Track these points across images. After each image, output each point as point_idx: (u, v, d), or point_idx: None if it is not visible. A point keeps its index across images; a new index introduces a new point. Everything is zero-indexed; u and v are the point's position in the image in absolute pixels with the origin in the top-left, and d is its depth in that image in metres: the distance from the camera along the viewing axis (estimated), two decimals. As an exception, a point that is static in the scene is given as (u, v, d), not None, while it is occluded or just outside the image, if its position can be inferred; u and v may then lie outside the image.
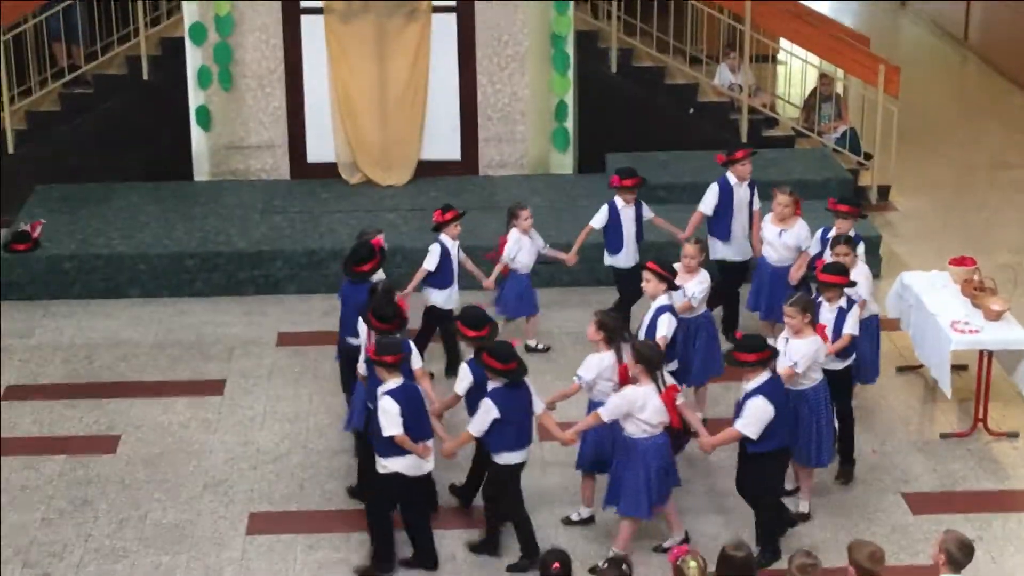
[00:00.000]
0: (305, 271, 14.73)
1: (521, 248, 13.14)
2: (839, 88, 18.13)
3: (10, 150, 16.40)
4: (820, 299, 11.13)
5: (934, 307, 12.39)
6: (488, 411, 9.84)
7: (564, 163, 16.76)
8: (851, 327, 11.10)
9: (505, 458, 10.00)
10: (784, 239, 12.76)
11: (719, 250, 13.47)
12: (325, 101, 16.37)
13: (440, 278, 12.66)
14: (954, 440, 12.09)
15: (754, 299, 13.11)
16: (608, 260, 13.44)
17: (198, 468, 11.51)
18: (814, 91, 17.91)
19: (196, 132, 16.44)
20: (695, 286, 11.79)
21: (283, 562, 10.46)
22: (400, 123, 16.37)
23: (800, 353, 10.46)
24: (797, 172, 16.33)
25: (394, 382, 9.88)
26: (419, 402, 10.03)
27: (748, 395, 9.89)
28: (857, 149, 17.42)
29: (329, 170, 16.49)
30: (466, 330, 10.39)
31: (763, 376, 9.90)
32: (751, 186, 13.48)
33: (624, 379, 10.23)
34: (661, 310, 11.09)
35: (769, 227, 12.90)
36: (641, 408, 9.81)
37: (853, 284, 11.28)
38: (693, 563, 7.94)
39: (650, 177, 15.98)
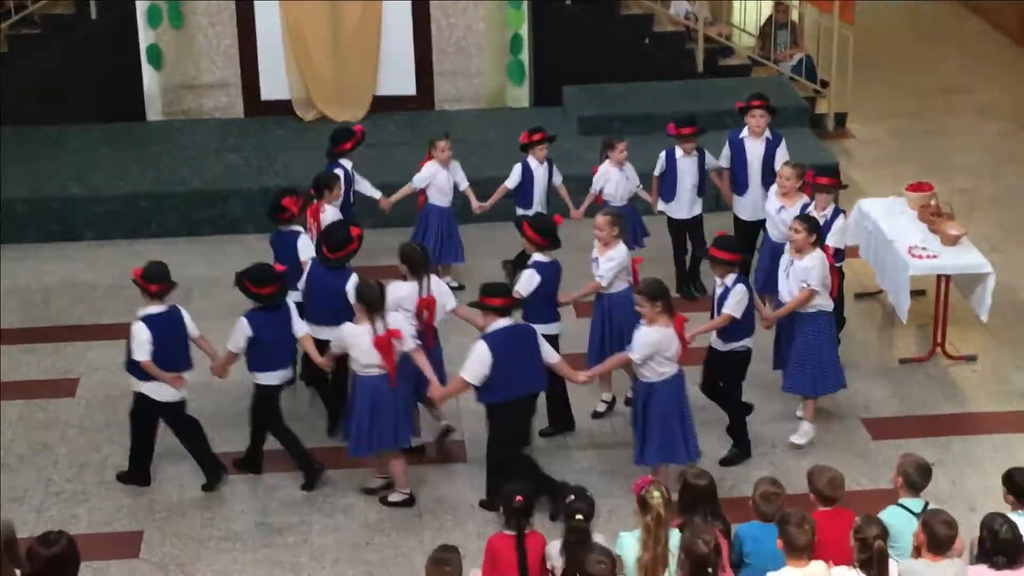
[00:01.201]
0: (262, 209, 14.56)
1: (609, 180, 12.83)
2: (794, 15, 18.08)
3: (-42, 94, 16.21)
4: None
5: (892, 233, 12.43)
6: (242, 330, 10.22)
7: (520, 96, 16.68)
8: (731, 308, 10.38)
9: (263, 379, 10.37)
10: (782, 216, 11.76)
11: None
12: (278, 38, 16.21)
13: (522, 198, 12.88)
14: (913, 365, 12.16)
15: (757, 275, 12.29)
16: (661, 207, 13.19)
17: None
18: (769, 19, 17.86)
19: (147, 71, 16.27)
20: (604, 263, 10.98)
21: (246, 502, 10.48)
22: (354, 58, 16.24)
23: (805, 269, 10.69)
24: (754, 101, 16.27)
25: (154, 308, 10.17)
26: (177, 332, 10.18)
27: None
28: (813, 76, 17.41)
29: (283, 107, 16.38)
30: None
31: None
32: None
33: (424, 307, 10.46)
34: (528, 265, 10.86)
35: (771, 201, 12.07)
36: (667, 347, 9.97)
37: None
38: (657, 493, 7.95)
39: (607, 109, 16.00)
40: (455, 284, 13.17)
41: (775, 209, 11.93)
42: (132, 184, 14.83)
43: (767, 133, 12.80)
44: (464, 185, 13.26)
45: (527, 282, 10.69)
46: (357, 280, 10.36)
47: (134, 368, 10.21)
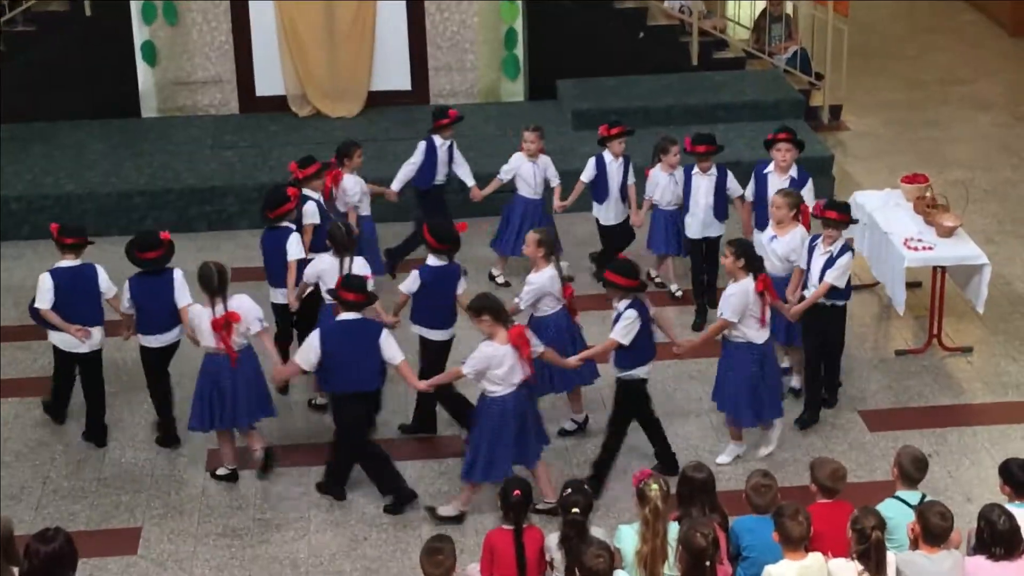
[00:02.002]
0: (257, 206, 14.54)
1: (658, 185, 12.71)
2: (789, 8, 18.07)
3: (-47, 91, 16.18)
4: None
5: (887, 225, 12.43)
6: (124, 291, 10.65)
7: (515, 91, 16.67)
8: (616, 333, 9.96)
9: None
10: (774, 246, 11.21)
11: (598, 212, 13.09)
12: (272, 34, 16.20)
13: (597, 191, 12.87)
14: (909, 357, 12.17)
15: None
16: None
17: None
18: (764, 12, 17.84)
19: (142, 68, 16.25)
20: (525, 286, 10.68)
21: (244, 498, 10.46)
22: (349, 54, 16.23)
23: (725, 296, 10.26)
24: (749, 94, 16.32)
25: (65, 262, 10.67)
26: (86, 287, 10.66)
27: (621, 312, 10.00)
28: (808, 69, 17.40)
29: (278, 103, 16.36)
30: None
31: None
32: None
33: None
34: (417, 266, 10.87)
35: (766, 230, 11.46)
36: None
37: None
38: (655, 485, 7.98)
39: (602, 103, 16.00)
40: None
41: (767, 239, 11.31)
42: (127, 181, 14.82)
43: (793, 171, 12.01)
44: (555, 182, 13.09)
45: (409, 282, 10.69)
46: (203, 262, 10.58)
47: (35, 315, 10.80)
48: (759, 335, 10.27)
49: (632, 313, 9.95)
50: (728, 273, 10.33)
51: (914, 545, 7.97)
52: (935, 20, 21.09)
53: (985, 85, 18.50)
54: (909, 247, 12.03)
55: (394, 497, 10.25)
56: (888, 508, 8.22)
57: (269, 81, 16.33)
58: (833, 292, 10.82)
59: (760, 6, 18.23)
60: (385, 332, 10.01)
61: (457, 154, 13.33)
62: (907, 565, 7.87)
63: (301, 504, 10.37)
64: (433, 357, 10.72)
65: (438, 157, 13.20)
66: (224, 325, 10.18)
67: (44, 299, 10.59)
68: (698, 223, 12.47)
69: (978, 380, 11.89)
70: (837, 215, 10.80)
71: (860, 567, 7.70)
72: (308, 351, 9.95)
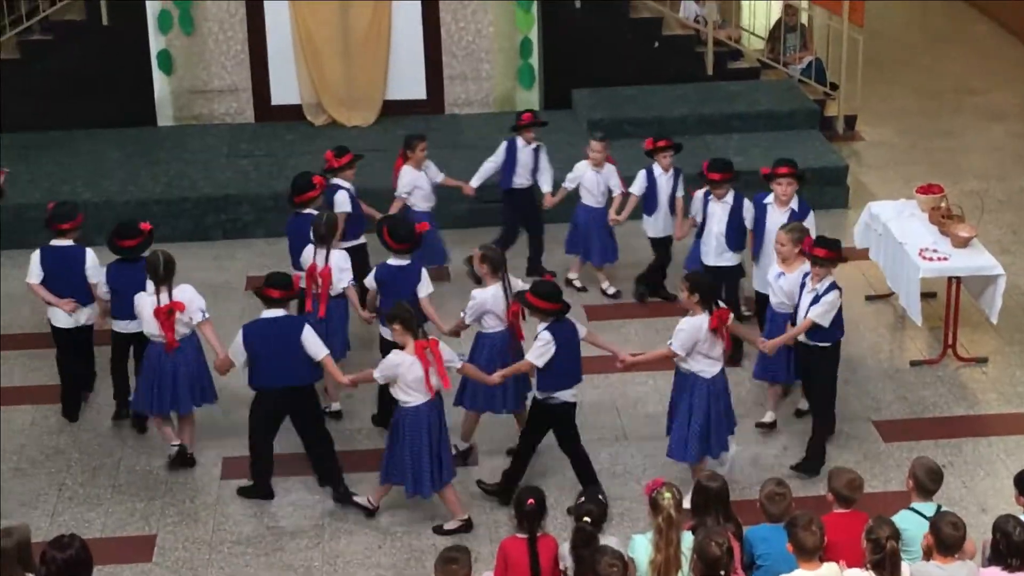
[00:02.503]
0: (272, 214, 14.65)
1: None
2: (804, 18, 18.07)
3: (-30, 99, 16.25)
4: None
5: (902, 236, 12.42)
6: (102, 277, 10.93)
7: (530, 100, 16.68)
8: (531, 354, 9.89)
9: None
10: (780, 283, 10.89)
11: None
12: (288, 43, 16.25)
13: (647, 204, 12.88)
14: (924, 367, 12.15)
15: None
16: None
17: (171, 416, 11.46)
18: (779, 22, 17.84)
19: (158, 77, 16.31)
20: (470, 298, 10.62)
21: (258, 506, 10.47)
22: (364, 63, 16.27)
23: (676, 331, 10.05)
24: (764, 104, 16.34)
25: (57, 242, 11.23)
26: (73, 267, 11.10)
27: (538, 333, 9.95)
28: (823, 79, 17.40)
29: (294, 112, 16.40)
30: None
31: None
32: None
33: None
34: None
35: (773, 267, 11.11)
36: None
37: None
38: (668, 494, 7.97)
39: (617, 112, 16.03)
40: (609, 290, 13.34)
41: (775, 276, 10.96)
42: (143, 189, 14.87)
43: (793, 203, 11.63)
44: (616, 191, 13.05)
45: (369, 278, 10.91)
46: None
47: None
48: (709, 370, 10.05)
49: (547, 335, 9.85)
50: (685, 307, 10.15)
51: (927, 556, 7.96)
52: (949, 30, 21.08)
53: (1000, 95, 18.48)
54: (924, 257, 12.02)
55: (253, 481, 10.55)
56: (903, 520, 8.20)
57: (285, 90, 16.38)
58: (818, 333, 10.47)
59: (775, 16, 18.24)
60: (308, 328, 10.15)
61: (543, 159, 13.32)
62: (922, 575, 7.86)
63: (315, 512, 10.38)
64: None
65: (519, 159, 13.23)
66: (167, 313, 10.45)
67: (32, 275, 11.28)
68: (711, 250, 12.07)
69: (993, 390, 11.87)
70: (825, 253, 10.38)
71: (874, 577, 7.70)
72: (236, 349, 10.16)
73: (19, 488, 10.67)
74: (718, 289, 10.20)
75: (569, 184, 13.19)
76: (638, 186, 12.85)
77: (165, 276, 10.49)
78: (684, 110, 16.11)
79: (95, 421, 11.52)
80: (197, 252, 14.30)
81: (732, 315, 10.20)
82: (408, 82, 16.46)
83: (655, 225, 12.96)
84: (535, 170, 13.35)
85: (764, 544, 8.22)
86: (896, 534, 7.73)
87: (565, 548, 8.20)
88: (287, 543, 10.08)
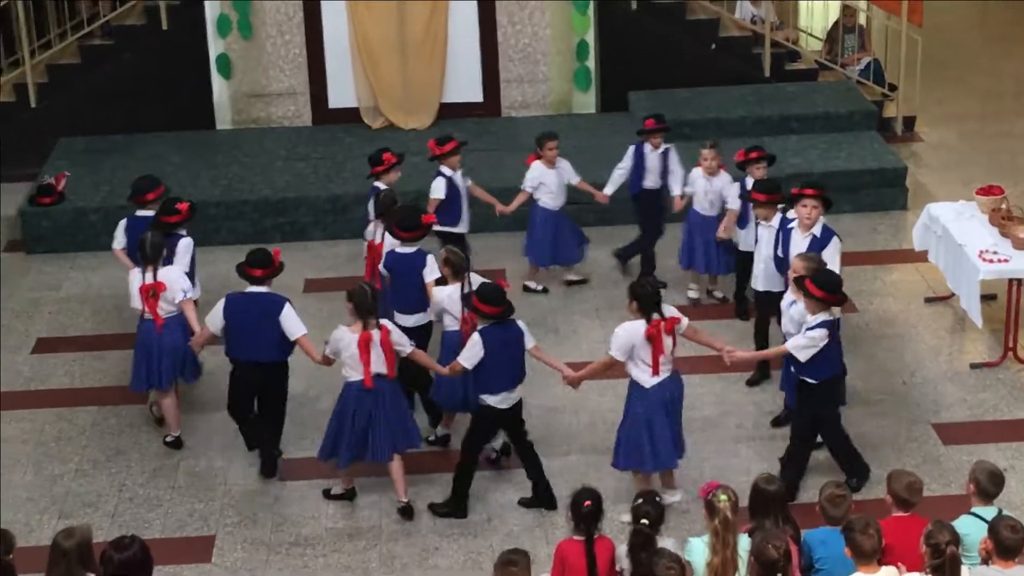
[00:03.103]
0: (330, 217, 14.74)
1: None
2: (862, 19, 17.96)
3: (32, 104, 16.38)
4: None
5: (962, 237, 12.33)
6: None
7: (587, 102, 16.69)
8: (462, 356, 10.08)
9: None
10: (792, 312, 10.44)
11: None
12: (345, 46, 16.32)
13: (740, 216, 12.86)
14: (984, 369, 12.06)
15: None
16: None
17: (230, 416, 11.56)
18: (837, 23, 17.75)
19: (217, 80, 16.43)
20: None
21: (316, 507, 10.53)
22: (421, 66, 16.31)
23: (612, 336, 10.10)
24: (821, 105, 16.25)
25: (141, 212, 11.82)
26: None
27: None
28: (881, 80, 17.28)
29: (351, 115, 16.46)
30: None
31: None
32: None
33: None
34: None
35: (786, 295, 10.70)
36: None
37: None
38: (724, 497, 7.95)
39: (674, 114, 15.93)
40: (719, 294, 13.35)
41: (787, 303, 10.54)
42: (202, 192, 14.96)
43: (817, 228, 11.05)
44: (731, 205, 12.58)
45: (380, 268, 11.35)
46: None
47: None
48: (647, 380, 9.98)
49: (476, 338, 9.99)
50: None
51: (986, 561, 7.89)
52: (1010, 29, 20.88)
53: (1061, 95, 18.32)
54: (984, 259, 11.93)
55: (260, 456, 10.93)
56: (963, 525, 8.13)
57: (342, 93, 16.45)
58: (804, 367, 10.04)
59: (833, 17, 18.14)
60: (287, 307, 10.50)
61: (673, 161, 13.24)
62: (981, 580, 7.81)
63: (373, 514, 10.43)
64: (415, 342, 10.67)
65: (647, 164, 13.22)
66: (151, 292, 10.88)
67: (117, 241, 11.96)
68: (761, 274, 11.65)
69: (1054, 394, 11.78)
70: (822, 294, 9.91)
71: (934, 582, 7.64)
72: (214, 316, 10.59)
73: (81, 489, 10.78)
74: (659, 298, 10.02)
75: (688, 190, 13.07)
76: (735, 201, 12.55)
77: (152, 256, 10.91)
78: (741, 112, 16.06)
79: (155, 422, 11.61)
80: (255, 255, 14.37)
81: (684, 324, 10.04)
82: (465, 85, 16.50)
83: (747, 239, 12.46)
84: (664, 173, 13.26)
85: (823, 547, 8.18)
86: (956, 539, 7.67)
87: (622, 550, 8.19)
88: (345, 544, 10.13)
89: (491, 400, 10.11)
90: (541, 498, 10.42)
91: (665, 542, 8.10)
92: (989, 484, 8.35)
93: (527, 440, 10.43)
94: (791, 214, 11.24)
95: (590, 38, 16.46)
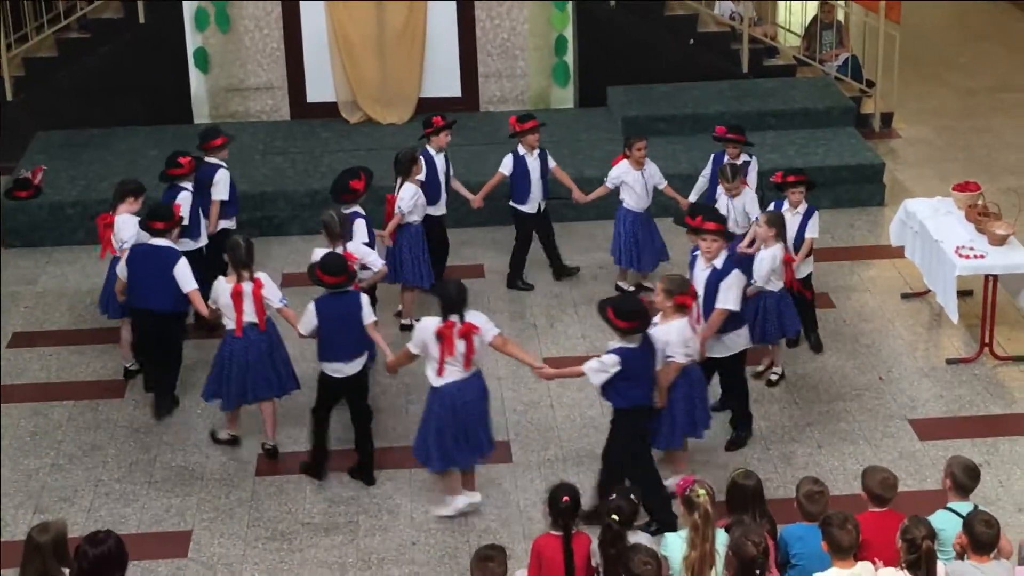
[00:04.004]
0: (308, 211, 14.70)
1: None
2: (840, 15, 18.01)
3: (8, 97, 16.33)
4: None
5: (938, 233, 12.37)
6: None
7: (565, 97, 16.69)
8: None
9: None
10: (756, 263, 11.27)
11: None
12: (323, 40, 16.30)
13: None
14: (960, 365, 12.10)
15: None
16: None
17: (206, 410, 11.52)
18: (815, 19, 17.79)
19: (195, 74, 16.39)
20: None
21: (293, 502, 10.51)
22: (399, 60, 16.30)
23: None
24: (799, 101, 16.29)
25: (187, 184, 12.20)
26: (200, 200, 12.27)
27: None
28: (859, 76, 17.34)
29: (329, 110, 16.45)
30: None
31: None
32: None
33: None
34: None
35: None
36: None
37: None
38: (702, 491, 7.96)
39: (652, 110, 15.99)
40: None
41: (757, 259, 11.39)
42: (180, 186, 14.90)
43: (718, 261, 10.73)
44: (754, 216, 12.16)
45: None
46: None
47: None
48: (433, 378, 9.93)
49: (310, 305, 10.35)
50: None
51: (961, 557, 7.92)
52: (987, 27, 20.96)
53: (1038, 92, 18.39)
54: (960, 255, 11.97)
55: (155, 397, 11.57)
56: (940, 520, 8.16)
57: (320, 88, 16.43)
58: (601, 390, 9.82)
59: (811, 12, 18.18)
60: (182, 261, 11.02)
61: (752, 173, 12.77)
62: (958, 575, 7.82)
63: (350, 508, 10.42)
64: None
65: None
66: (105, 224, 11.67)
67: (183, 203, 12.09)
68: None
69: (1030, 389, 11.82)
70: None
71: (909, 577, 7.67)
72: (121, 269, 11.24)
73: (57, 484, 10.75)
74: (459, 301, 9.89)
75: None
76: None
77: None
78: (719, 107, 16.08)
79: (131, 417, 11.58)
80: (233, 249, 14.35)
81: (490, 335, 9.97)
82: (443, 79, 16.49)
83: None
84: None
85: (799, 543, 8.20)
86: (932, 534, 7.70)
87: (595, 545, 8.20)
88: (321, 539, 10.11)
89: (326, 368, 10.44)
90: (364, 471, 10.68)
91: (639, 537, 8.12)
92: (965, 479, 8.37)
93: (364, 413, 10.59)
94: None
95: (568, 33, 16.46)
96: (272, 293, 10.68)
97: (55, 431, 11.41)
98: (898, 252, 13.24)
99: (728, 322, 10.55)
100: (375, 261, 11.33)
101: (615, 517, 8.06)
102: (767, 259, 11.23)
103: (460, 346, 9.77)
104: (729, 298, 10.52)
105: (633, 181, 12.88)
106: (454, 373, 9.86)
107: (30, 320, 13.16)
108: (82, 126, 16.23)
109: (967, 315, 12.48)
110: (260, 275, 10.66)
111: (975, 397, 11.66)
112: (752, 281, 11.18)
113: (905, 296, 13.25)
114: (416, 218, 12.54)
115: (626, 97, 16.42)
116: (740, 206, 12.25)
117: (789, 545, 8.22)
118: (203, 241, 12.33)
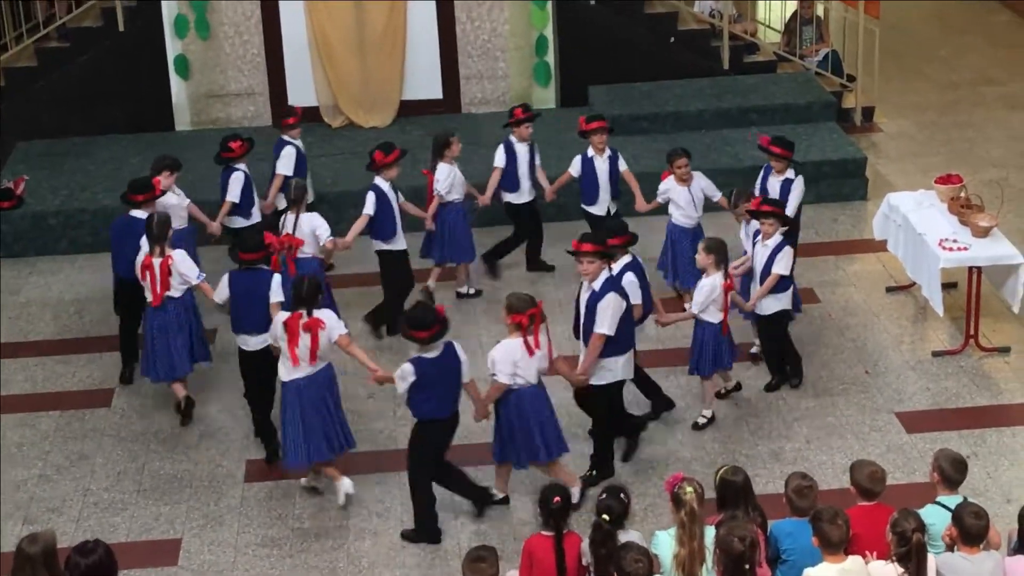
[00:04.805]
0: (291, 216, 14.66)
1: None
2: (820, 10, 18.04)
3: (-11, 108, 16.31)
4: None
5: (921, 226, 12.40)
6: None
7: (546, 97, 16.70)
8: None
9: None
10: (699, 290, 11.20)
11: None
12: (304, 45, 16.28)
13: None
14: (946, 358, 12.12)
15: None
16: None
17: (194, 417, 11.52)
18: (795, 14, 17.82)
19: (175, 82, 16.37)
20: None
21: (282, 508, 10.50)
22: (380, 64, 16.29)
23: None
24: (780, 97, 16.31)
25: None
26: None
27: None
28: (840, 71, 17.36)
29: (311, 114, 16.40)
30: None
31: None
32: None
33: None
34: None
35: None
36: None
37: None
38: (690, 489, 7.97)
39: (634, 108, 16.00)
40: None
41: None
42: (162, 194, 14.87)
43: (597, 283, 10.35)
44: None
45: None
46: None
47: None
48: (282, 371, 10.25)
49: (223, 279, 10.82)
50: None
51: (951, 549, 7.93)
52: (968, 21, 21.00)
53: (1018, 86, 18.40)
54: (944, 248, 11.99)
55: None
56: (929, 514, 8.16)
57: (301, 93, 16.40)
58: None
59: (791, 8, 18.20)
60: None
61: (797, 188, 12.52)
62: (948, 567, 7.83)
63: (340, 514, 10.40)
64: None
65: (769, 183, 12.55)
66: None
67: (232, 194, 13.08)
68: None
69: (1016, 380, 11.83)
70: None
71: (900, 570, 7.67)
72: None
73: (45, 494, 10.72)
74: (310, 297, 10.12)
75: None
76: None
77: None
78: (701, 105, 16.10)
79: (119, 426, 11.56)
80: (215, 255, 14.29)
81: (336, 334, 10.16)
82: (424, 82, 16.48)
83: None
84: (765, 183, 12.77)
85: (789, 539, 8.20)
86: (922, 527, 7.71)
87: (586, 544, 8.20)
88: (312, 544, 10.10)
89: (239, 341, 10.90)
90: (269, 451, 11.01)
91: (631, 535, 8.12)
92: (953, 471, 8.39)
93: (267, 387, 10.92)
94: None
95: (549, 33, 16.47)
96: (187, 272, 11.21)
97: (42, 442, 11.39)
98: (882, 246, 13.27)
99: (607, 347, 10.25)
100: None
101: (605, 517, 8.06)
102: (705, 287, 10.93)
103: (306, 339, 10.02)
104: (604, 321, 10.21)
105: (678, 196, 12.65)
106: (306, 367, 10.12)
107: (14, 331, 13.13)
108: (63, 135, 16.20)
109: (952, 307, 12.51)
110: (173, 252, 11.21)
111: (961, 389, 11.69)
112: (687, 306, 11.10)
113: (890, 290, 13.28)
114: (456, 197, 12.90)
115: (608, 96, 16.43)
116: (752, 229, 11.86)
117: (779, 541, 8.23)
118: (256, 218, 13.10)
